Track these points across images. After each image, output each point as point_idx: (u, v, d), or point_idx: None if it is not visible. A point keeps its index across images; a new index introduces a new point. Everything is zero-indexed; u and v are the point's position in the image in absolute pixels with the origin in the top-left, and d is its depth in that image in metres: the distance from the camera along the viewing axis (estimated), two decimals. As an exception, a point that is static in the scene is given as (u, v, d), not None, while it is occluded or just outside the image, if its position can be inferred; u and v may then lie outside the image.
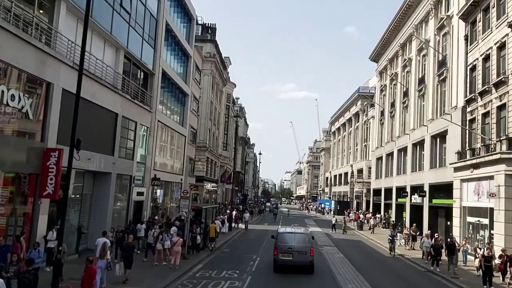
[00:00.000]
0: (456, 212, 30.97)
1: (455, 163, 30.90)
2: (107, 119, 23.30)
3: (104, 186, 23.36)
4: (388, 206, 54.15)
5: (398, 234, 33.91)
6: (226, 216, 38.14)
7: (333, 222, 45.59)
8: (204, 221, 27.59)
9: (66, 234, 18.46)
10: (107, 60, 23.17)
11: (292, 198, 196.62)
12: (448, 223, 35.00)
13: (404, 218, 45.95)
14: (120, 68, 24.59)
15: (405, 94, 48.11)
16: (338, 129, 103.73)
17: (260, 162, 77.52)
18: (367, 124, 79.72)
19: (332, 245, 31.95)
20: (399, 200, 47.39)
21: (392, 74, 53.36)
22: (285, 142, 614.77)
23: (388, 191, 52.85)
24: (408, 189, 43.70)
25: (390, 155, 53.10)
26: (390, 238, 29.18)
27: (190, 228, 23.90)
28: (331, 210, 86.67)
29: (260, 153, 70.19)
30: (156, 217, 27.49)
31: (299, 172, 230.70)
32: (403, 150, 47.42)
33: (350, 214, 54.71)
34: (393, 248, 28.89)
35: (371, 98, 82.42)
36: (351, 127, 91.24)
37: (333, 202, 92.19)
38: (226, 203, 56.67)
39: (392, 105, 53.41)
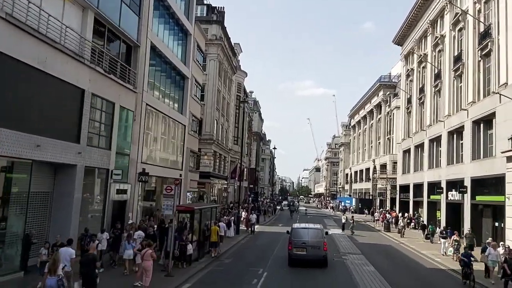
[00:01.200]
0: (510, 212, 25.26)
1: (508, 151, 25.15)
2: (68, 96, 18.22)
3: (67, 181, 18.31)
4: (417, 204, 48.34)
5: (442, 239, 28.12)
6: (232, 217, 32.90)
7: (343, 220, 39.98)
8: (207, 223, 22.90)
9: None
10: (69, 21, 18.08)
11: (310, 196, 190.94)
12: (496, 224, 29.25)
13: (438, 218, 40.17)
14: (89, 34, 19.48)
15: (437, 76, 42.19)
16: (358, 122, 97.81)
17: (274, 157, 71.99)
18: (390, 116, 73.92)
19: (358, 253, 26.39)
20: (432, 197, 41.59)
21: (421, 55, 47.42)
22: (303, 139, 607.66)
23: (418, 187, 47.03)
24: (443, 185, 37.87)
25: (419, 147, 47.22)
26: (465, 260, 18.41)
27: (176, 235, 18.70)
28: (348, 209, 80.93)
29: (274, 148, 65.17)
30: (130, 222, 22.26)
31: (317, 169, 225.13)
32: (436, 140, 41.58)
33: (375, 214, 48.94)
34: (469, 274, 18.05)
35: (393, 87, 76.89)
36: (372, 119, 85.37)
37: (354, 199, 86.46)
38: (233, 202, 51.25)
39: (421, 90, 47.49)
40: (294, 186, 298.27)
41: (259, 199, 60.81)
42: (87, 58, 19.03)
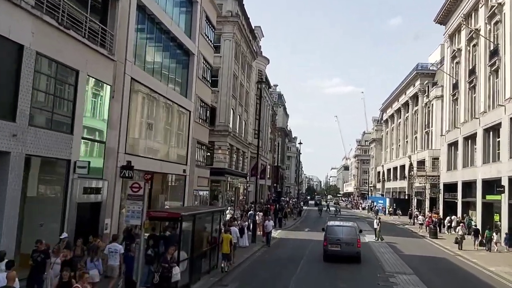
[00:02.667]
0: None
1: None
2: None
3: (-6, 175, 12.67)
4: (467, 206, 41.33)
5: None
6: (246, 223, 26.90)
7: (376, 225, 33.23)
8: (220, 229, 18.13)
9: None
10: None
11: (339, 195, 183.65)
12: None
13: (495, 222, 33.23)
14: (32, -31, 13.77)
15: (494, 53, 35.17)
16: (391, 116, 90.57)
17: (300, 153, 65.72)
18: (428, 107, 66.81)
19: (410, 272, 19.84)
20: (488, 197, 34.61)
21: (472, 31, 40.40)
22: (330, 138, 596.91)
23: (468, 185, 40.08)
24: (504, 183, 30.97)
25: (470, 138, 40.23)
26: None
27: (150, 254, 12.89)
28: (380, 210, 73.94)
29: (300, 143, 59.03)
30: (106, 231, 16.54)
31: (346, 168, 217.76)
32: (493, 129, 34.63)
33: (420, 217, 42.07)
34: None
35: (432, 76, 69.72)
36: (407, 112, 78.27)
37: (387, 199, 79.25)
38: (253, 203, 45.04)
39: (472, 72, 40.47)
40: (322, 185, 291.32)
41: (282, 198, 54.50)
42: (27, 1, 13.31)
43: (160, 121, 24.77)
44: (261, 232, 26.95)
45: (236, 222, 26.48)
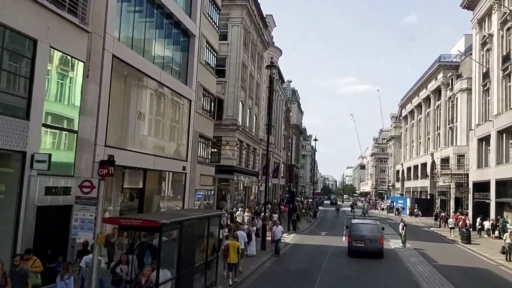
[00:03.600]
0: None
1: None
2: None
3: None
4: (501, 207, 37.30)
5: None
6: (254, 228, 23.41)
7: (401, 230, 29.30)
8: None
9: None
10: None
11: (355, 195, 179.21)
12: None
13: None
14: None
15: (534, 35, 31.18)
16: (411, 112, 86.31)
17: (315, 150, 62.07)
18: (453, 101, 62.59)
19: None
20: (529, 197, 30.71)
21: (505, 13, 36.38)
22: (345, 137, 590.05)
23: (503, 184, 36.14)
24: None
25: (505, 131, 36.25)
26: None
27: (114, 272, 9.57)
28: (403, 209, 69.92)
29: (316, 139, 55.30)
30: (80, 241, 13.25)
31: (362, 167, 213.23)
32: (534, 120, 30.69)
33: (450, 220, 37.96)
34: None
35: (456, 68, 65.52)
36: (429, 107, 74.06)
37: (408, 200, 75.06)
38: (253, 204, 41.36)
39: (506, 59, 36.49)
40: (337, 185, 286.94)
41: (297, 199, 50.75)
42: None
43: (153, 110, 21.43)
44: (271, 238, 23.43)
45: (243, 226, 23.14)
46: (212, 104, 29.63)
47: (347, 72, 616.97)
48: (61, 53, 14.10)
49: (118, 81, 18.15)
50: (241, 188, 42.05)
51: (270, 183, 51.63)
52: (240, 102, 38.56)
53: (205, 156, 28.48)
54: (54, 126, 14.17)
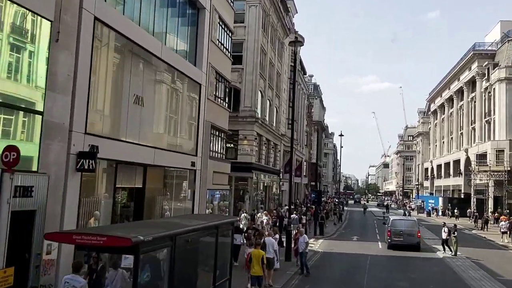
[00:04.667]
0: None
1: None
2: None
3: None
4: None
5: None
6: (277, 235, 19.38)
7: (445, 235, 25.25)
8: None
9: None
10: None
11: (379, 194, 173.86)
12: None
13: None
14: None
15: None
16: (441, 106, 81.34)
17: (342, 147, 57.85)
18: (489, 92, 57.87)
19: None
20: None
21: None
22: (367, 135, 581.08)
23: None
24: None
25: None
26: None
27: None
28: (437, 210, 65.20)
29: (341, 135, 51.02)
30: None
31: (386, 165, 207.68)
32: None
33: (502, 224, 33.16)
34: None
35: (492, 56, 60.60)
36: (461, 100, 69.21)
37: (440, 199, 70.12)
38: (274, 206, 37.23)
39: None
40: (359, 184, 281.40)
41: (323, 199, 46.35)
42: None
43: (154, 93, 17.71)
44: (293, 249, 19.41)
45: (264, 231, 19.31)
46: (227, 91, 25.83)
47: (368, 70, 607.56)
48: (16, 6, 10.44)
49: (106, 54, 14.50)
50: (261, 188, 38.17)
51: (292, 182, 47.68)
52: (259, 92, 34.70)
53: (219, 151, 24.70)
54: (14, 104, 10.53)
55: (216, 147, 24.09)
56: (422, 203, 72.94)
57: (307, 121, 68.86)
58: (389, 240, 25.71)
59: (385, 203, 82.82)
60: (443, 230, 25.67)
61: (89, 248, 7.45)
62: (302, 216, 29.01)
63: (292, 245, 19.65)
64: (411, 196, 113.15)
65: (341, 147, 55.04)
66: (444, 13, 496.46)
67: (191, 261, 9.23)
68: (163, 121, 18.49)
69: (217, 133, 24.11)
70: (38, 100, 11.24)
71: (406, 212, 57.49)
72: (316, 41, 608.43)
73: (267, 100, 37.81)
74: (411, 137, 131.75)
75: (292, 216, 24.45)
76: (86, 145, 12.70)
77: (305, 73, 66.61)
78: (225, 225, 11.17)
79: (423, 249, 25.87)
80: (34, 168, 11.05)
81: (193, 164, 20.30)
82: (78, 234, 6.95)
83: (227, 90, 25.96)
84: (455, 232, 24.58)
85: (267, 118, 37.37)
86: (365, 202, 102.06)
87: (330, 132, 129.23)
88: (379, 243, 28.58)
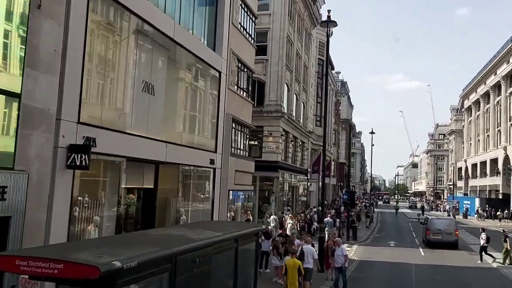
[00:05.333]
0: None
1: None
2: None
3: None
4: None
5: None
6: (309, 245, 16.82)
7: (483, 241, 22.29)
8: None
9: None
10: None
11: (407, 194, 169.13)
12: None
13: None
14: None
15: None
16: (476, 102, 77.33)
17: (372, 145, 54.62)
18: (531, 85, 53.82)
19: None
20: None
21: None
22: (393, 135, 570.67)
23: None
24: None
25: None
26: None
27: None
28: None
29: (371, 132, 47.69)
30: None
31: (414, 165, 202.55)
32: None
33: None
34: None
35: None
36: (499, 95, 65.24)
37: (477, 200, 66.17)
38: (302, 208, 34.37)
39: None
40: (386, 184, 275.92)
41: (357, 202, 43.20)
42: None
43: (166, 81, 15.44)
44: (325, 260, 16.77)
45: (294, 238, 16.86)
46: (250, 82, 23.40)
47: (395, 68, 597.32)
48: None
49: (106, 30, 12.28)
50: (287, 188, 35.62)
51: (320, 183, 45.04)
52: (285, 85, 32.19)
53: (242, 148, 22.31)
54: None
55: (239, 144, 21.72)
56: (457, 204, 69.06)
57: (335, 119, 66.06)
58: (428, 238, 26.80)
59: (419, 205, 79.13)
60: (481, 237, 22.75)
61: (39, 277, 5.13)
62: (336, 219, 26.49)
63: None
64: (442, 197, 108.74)
65: (372, 145, 52.05)
66: (474, 10, 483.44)
67: (200, 286, 6.83)
68: (177, 113, 16.20)
69: (239, 127, 21.73)
70: (13, 79, 9.05)
71: (451, 213, 54.29)
72: (341, 36, 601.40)
73: (294, 94, 35.28)
74: (443, 135, 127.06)
75: (325, 219, 21.91)
76: (80, 137, 10.48)
77: (332, 68, 63.79)
78: (247, 236, 8.71)
79: (469, 257, 23.12)
80: (9, 165, 8.84)
81: (212, 161, 17.96)
82: (24, 259, 4.63)
83: (251, 80, 23.54)
84: (507, 240, 21.57)
85: (293, 114, 34.84)
86: (394, 202, 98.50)
87: (357, 131, 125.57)
88: (421, 249, 25.78)
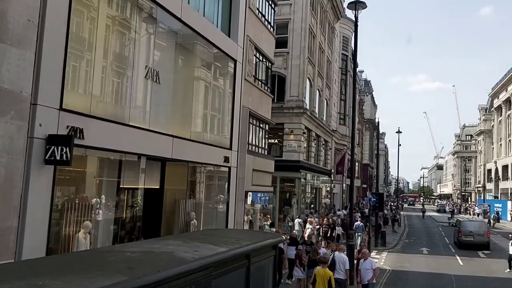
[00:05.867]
0: None
1: None
2: None
3: None
4: None
5: None
6: (342, 254, 14.71)
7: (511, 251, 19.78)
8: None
9: None
10: None
11: (433, 197, 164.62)
12: None
13: None
14: None
15: None
16: (507, 101, 73.67)
17: (399, 145, 51.69)
18: None
19: None
20: None
21: None
22: (417, 137, 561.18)
23: None
24: None
25: None
26: None
27: None
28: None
29: (399, 132, 44.97)
30: None
31: (439, 167, 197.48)
32: None
33: None
34: None
35: None
36: (533, 92, 61.64)
37: (509, 203, 62.71)
38: (325, 212, 32.06)
39: None
40: (410, 187, 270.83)
41: (386, 206, 40.54)
42: None
43: (176, 69, 13.64)
44: (357, 275, 14.53)
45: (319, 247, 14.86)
46: (269, 74, 21.45)
47: (419, 68, 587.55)
48: None
49: (103, 8, 10.52)
50: (309, 190, 33.51)
51: (344, 184, 42.81)
52: (307, 80, 30.17)
53: (260, 145, 20.38)
54: None
55: (257, 141, 19.80)
56: (488, 207, 65.69)
57: (359, 118, 63.58)
58: (460, 240, 27.43)
59: (448, 208, 75.93)
60: (510, 243, 20.34)
61: None
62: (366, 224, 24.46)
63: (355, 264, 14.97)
64: (469, 200, 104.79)
65: (399, 145, 49.33)
66: (498, 9, 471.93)
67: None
68: (186, 105, 14.36)
69: (257, 123, 19.82)
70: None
71: (487, 217, 51.50)
72: (364, 37, 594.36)
73: (317, 90, 33.20)
74: (470, 136, 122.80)
75: (356, 223, 19.82)
76: (63, 127, 8.70)
77: (356, 62, 61.36)
78: (262, 250, 6.75)
79: None
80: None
81: (226, 159, 16.07)
82: None
83: (270, 72, 21.59)
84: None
85: (316, 111, 32.76)
86: (420, 205, 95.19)
87: (381, 132, 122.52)
88: (458, 258, 23.40)
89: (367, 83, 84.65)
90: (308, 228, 20.39)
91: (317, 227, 22.24)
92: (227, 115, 16.79)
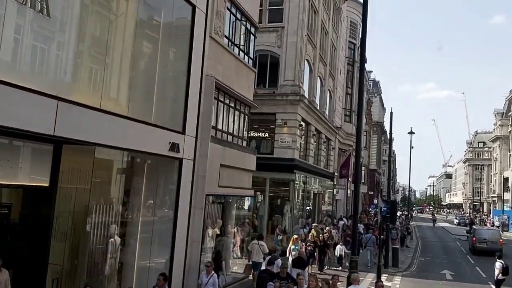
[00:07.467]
0: None
1: None
2: None
3: None
4: None
5: None
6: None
7: (497, 273, 15.64)
8: None
9: None
10: None
11: (442, 206, 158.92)
12: None
13: None
14: None
15: None
16: (527, 104, 68.05)
17: (411, 147, 46.14)
18: None
19: None
20: None
21: None
22: (424, 145, 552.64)
23: None
24: None
25: None
26: None
27: None
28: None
29: (412, 132, 39.74)
30: None
31: (448, 175, 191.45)
32: None
33: None
34: None
35: None
36: (558, 94, 56.11)
37: (530, 215, 57.20)
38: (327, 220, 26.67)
39: None
40: (417, 195, 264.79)
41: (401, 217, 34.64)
42: None
43: (92, 11, 8.60)
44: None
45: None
46: (252, 40, 16.25)
47: (427, 77, 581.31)
48: None
49: None
50: (306, 195, 28.18)
51: (349, 190, 37.50)
52: (306, 62, 25.00)
53: (236, 134, 15.17)
54: None
55: (230, 127, 14.63)
56: (507, 219, 60.11)
57: (366, 119, 58.36)
58: (474, 246, 28.96)
59: (466, 219, 70.39)
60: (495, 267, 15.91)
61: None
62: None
63: None
64: (481, 210, 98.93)
65: (411, 147, 43.62)
66: (510, 18, 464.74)
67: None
68: (99, 56, 9.24)
69: (232, 104, 14.65)
70: None
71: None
72: (371, 41, 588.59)
73: (318, 77, 27.99)
74: (482, 143, 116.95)
75: (366, 235, 14.76)
76: None
77: (363, 54, 56.26)
78: None
79: None
80: None
81: (174, 147, 10.93)
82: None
83: (254, 39, 16.43)
84: None
85: (317, 102, 27.56)
86: (430, 215, 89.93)
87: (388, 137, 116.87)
88: (492, 286, 18.04)
89: (375, 83, 79.32)
90: (293, 250, 15.13)
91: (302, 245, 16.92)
92: (178, 84, 11.69)
